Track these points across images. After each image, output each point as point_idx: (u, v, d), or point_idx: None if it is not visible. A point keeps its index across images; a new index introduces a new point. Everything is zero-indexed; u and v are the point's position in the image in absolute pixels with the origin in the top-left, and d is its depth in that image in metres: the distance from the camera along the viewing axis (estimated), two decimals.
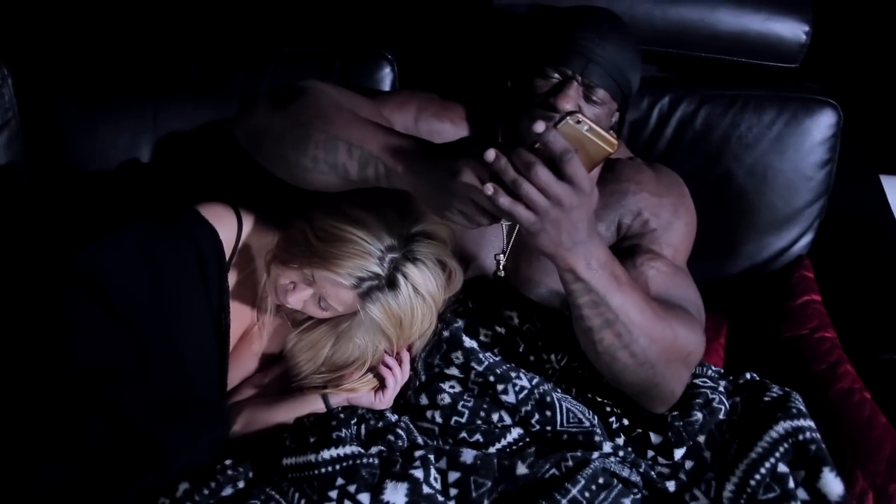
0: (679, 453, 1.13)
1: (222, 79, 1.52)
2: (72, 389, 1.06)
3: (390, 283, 1.11)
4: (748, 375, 1.25)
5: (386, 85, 1.53)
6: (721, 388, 1.20)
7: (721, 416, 1.16)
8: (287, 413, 1.19)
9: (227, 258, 1.21)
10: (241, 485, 1.09)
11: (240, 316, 1.26)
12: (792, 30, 1.44)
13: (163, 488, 1.09)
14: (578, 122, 0.91)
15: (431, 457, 1.07)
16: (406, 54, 1.56)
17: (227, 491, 1.08)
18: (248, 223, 1.23)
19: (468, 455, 1.07)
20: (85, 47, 1.58)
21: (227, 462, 1.10)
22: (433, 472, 1.05)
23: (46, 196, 1.55)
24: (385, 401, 1.19)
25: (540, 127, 0.89)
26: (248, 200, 1.27)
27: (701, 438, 1.14)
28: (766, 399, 1.16)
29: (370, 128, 1.04)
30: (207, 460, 1.12)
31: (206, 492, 1.06)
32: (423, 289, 1.13)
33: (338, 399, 1.19)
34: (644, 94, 1.47)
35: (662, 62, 1.54)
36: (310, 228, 1.13)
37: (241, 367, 1.29)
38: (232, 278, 1.23)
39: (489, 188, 0.89)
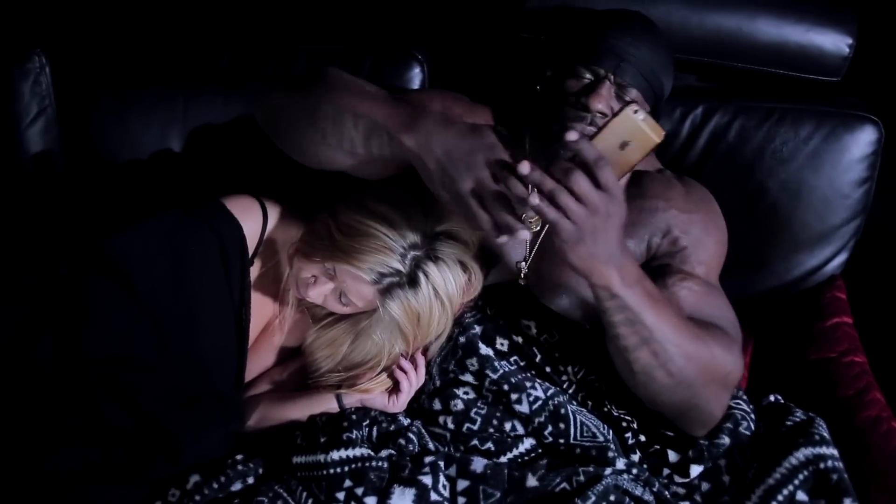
0: (696, 470, 1.10)
1: (253, 74, 1.53)
2: (92, 375, 1.07)
3: (411, 281, 1.10)
4: (772, 397, 1.22)
5: (415, 84, 1.52)
6: (752, 414, 1.17)
7: (744, 441, 1.13)
8: (300, 411, 1.19)
9: (251, 252, 1.21)
10: (250, 480, 1.09)
11: (261, 309, 1.27)
12: (834, 42, 1.40)
13: (174, 479, 1.10)
14: (636, 111, 0.91)
15: (441, 463, 1.06)
16: (436, 54, 1.56)
17: (237, 486, 1.08)
18: (273, 217, 1.23)
19: (479, 464, 1.06)
20: (120, 38, 1.61)
21: (239, 457, 1.11)
22: (442, 479, 1.04)
23: (79, 183, 1.58)
24: (399, 404, 1.18)
25: (573, 136, 0.89)
26: (274, 193, 1.27)
27: (722, 462, 1.12)
28: (789, 423, 1.14)
29: (379, 100, 1.04)
30: (220, 454, 1.13)
31: (215, 485, 1.07)
32: (443, 289, 1.12)
33: (351, 399, 1.19)
34: (677, 103, 1.44)
35: (698, 71, 1.50)
36: (333, 222, 1.13)
37: (260, 360, 1.30)
38: (255, 271, 1.24)
39: (534, 198, 0.89)
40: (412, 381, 1.18)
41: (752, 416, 1.16)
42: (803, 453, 1.06)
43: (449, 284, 1.13)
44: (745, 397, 1.20)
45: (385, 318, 1.13)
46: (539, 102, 1.21)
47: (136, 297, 1.11)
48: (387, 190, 1.13)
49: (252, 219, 1.21)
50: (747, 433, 1.13)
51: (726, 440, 1.11)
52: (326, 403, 1.19)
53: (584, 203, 0.90)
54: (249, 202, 1.22)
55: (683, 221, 1.22)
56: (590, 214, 0.90)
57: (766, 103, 1.44)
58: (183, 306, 1.15)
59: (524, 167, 0.88)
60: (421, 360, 1.20)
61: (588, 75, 1.16)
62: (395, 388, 1.19)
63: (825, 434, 1.10)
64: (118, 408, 1.08)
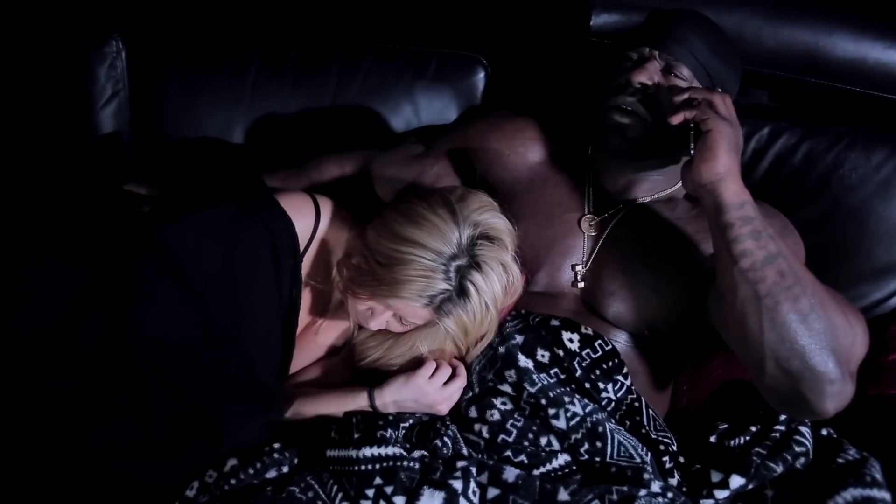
0: (736, 482, 1.07)
1: (319, 69, 1.55)
2: (138, 357, 1.09)
3: (460, 292, 1.11)
4: (824, 431, 1.18)
5: (478, 89, 1.53)
6: (811, 452, 1.13)
7: (798, 477, 1.09)
8: (335, 406, 1.19)
9: (302, 249, 1.22)
10: (285, 469, 1.10)
11: (307, 307, 1.28)
12: None
13: (212, 462, 1.12)
14: None
15: (473, 469, 1.05)
16: (499, 58, 1.55)
17: (272, 473, 1.09)
18: (325, 215, 1.24)
19: (511, 473, 1.05)
20: (194, 27, 1.65)
21: (276, 445, 1.12)
22: (473, 485, 1.03)
23: (144, 165, 1.62)
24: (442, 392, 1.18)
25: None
26: (328, 190, 1.28)
27: (769, 493, 1.08)
28: (840, 461, 1.10)
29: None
30: (258, 441, 1.15)
31: (251, 471, 1.08)
32: (490, 294, 1.12)
33: (384, 400, 1.18)
34: (743, 121, 1.38)
35: (769, 86, 1.47)
36: (369, 253, 1.13)
37: (304, 355, 1.31)
38: (304, 269, 1.25)
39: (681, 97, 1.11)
40: (461, 376, 1.18)
41: (812, 454, 1.12)
42: (852, 493, 1.02)
43: (494, 287, 1.13)
44: (810, 433, 1.15)
45: (440, 330, 1.14)
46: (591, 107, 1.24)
47: (185, 284, 1.13)
48: (409, 203, 1.13)
49: (305, 217, 1.22)
50: (802, 469, 1.10)
51: (780, 468, 1.08)
52: (359, 401, 1.19)
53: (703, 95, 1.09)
54: (303, 200, 1.23)
55: None
56: (733, 125, 1.07)
57: (837, 126, 1.40)
58: (230, 299, 1.16)
59: None
60: (461, 367, 1.20)
61: (635, 56, 1.20)
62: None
63: (878, 476, 1.05)
64: (163, 390, 1.10)
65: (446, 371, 1.18)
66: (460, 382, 1.18)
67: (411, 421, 1.15)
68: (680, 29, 1.19)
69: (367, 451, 1.05)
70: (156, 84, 1.58)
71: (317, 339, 1.31)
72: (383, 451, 1.05)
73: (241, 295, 1.17)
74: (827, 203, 1.38)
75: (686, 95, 1.11)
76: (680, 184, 1.27)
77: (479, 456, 1.12)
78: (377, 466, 1.04)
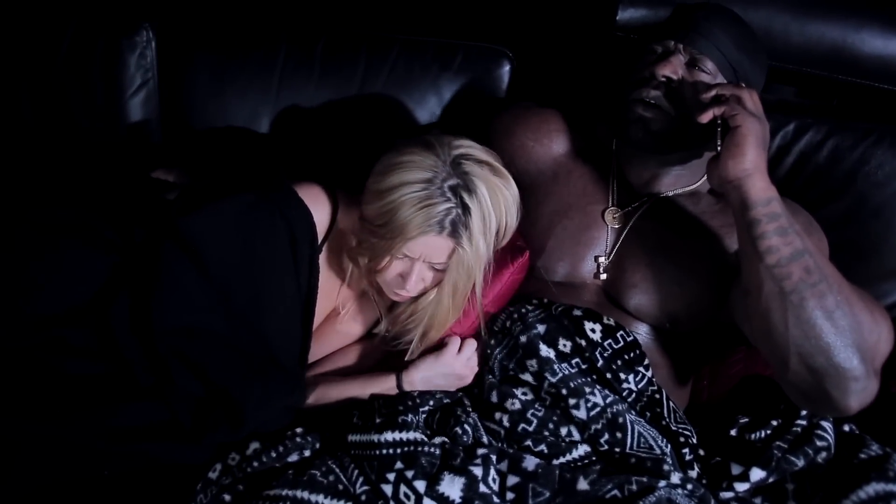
0: (756, 474, 1.07)
1: (346, 60, 1.56)
2: (162, 342, 1.11)
3: (464, 207, 1.11)
4: (846, 427, 1.17)
5: (503, 82, 1.53)
6: (833, 447, 1.12)
7: (818, 472, 1.09)
8: (360, 389, 1.21)
9: (321, 240, 1.24)
10: (307, 453, 1.12)
11: (326, 296, 1.29)
12: None
13: (234, 444, 1.13)
14: None
15: (493, 457, 1.06)
16: (525, 52, 1.55)
17: (294, 457, 1.11)
18: (343, 207, 1.25)
19: (530, 462, 1.05)
20: (222, 16, 1.66)
21: (298, 430, 1.13)
22: (493, 472, 1.04)
23: (171, 153, 1.64)
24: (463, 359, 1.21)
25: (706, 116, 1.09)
26: (350, 182, 1.29)
27: (790, 486, 1.08)
28: (862, 456, 1.09)
29: None
30: (280, 424, 1.16)
31: (273, 454, 1.10)
32: (495, 202, 1.13)
33: (413, 377, 1.20)
34: (768, 118, 1.39)
35: (796, 83, 1.46)
36: (368, 223, 1.14)
37: (326, 344, 1.32)
38: (322, 259, 1.26)
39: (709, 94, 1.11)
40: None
41: (833, 448, 1.12)
42: (874, 488, 1.02)
43: (496, 194, 1.13)
44: (831, 428, 1.15)
45: (462, 264, 1.14)
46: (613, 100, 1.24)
47: (204, 272, 1.14)
48: (383, 162, 1.14)
49: (322, 209, 1.23)
50: (823, 464, 1.09)
51: (801, 462, 1.08)
52: (386, 383, 1.21)
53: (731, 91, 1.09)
54: (319, 192, 1.24)
55: None
56: (761, 121, 1.07)
57: (864, 123, 1.39)
58: (249, 287, 1.18)
59: None
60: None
61: (659, 49, 1.20)
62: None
63: None
64: (188, 372, 1.11)
65: (472, 345, 1.22)
66: (474, 345, 1.22)
67: (431, 404, 1.16)
68: (705, 23, 1.19)
69: (389, 436, 1.06)
70: (184, 73, 1.60)
71: (339, 328, 1.32)
72: (404, 435, 1.06)
73: (259, 283, 1.18)
74: (852, 200, 1.38)
75: (714, 92, 1.11)
76: (704, 178, 1.27)
77: (500, 444, 1.13)
78: (398, 451, 1.05)
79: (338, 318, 1.32)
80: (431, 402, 1.16)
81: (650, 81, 1.19)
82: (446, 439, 1.10)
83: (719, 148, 1.10)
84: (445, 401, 1.17)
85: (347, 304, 1.32)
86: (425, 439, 1.07)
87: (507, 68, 1.53)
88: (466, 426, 1.12)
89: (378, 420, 1.11)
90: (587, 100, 1.41)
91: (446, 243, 1.13)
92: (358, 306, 1.32)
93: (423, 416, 1.15)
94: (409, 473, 1.02)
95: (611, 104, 1.29)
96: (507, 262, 1.25)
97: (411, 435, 1.06)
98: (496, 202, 1.13)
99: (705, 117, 1.09)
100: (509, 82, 1.52)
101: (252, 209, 1.19)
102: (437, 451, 1.06)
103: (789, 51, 1.36)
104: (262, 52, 1.58)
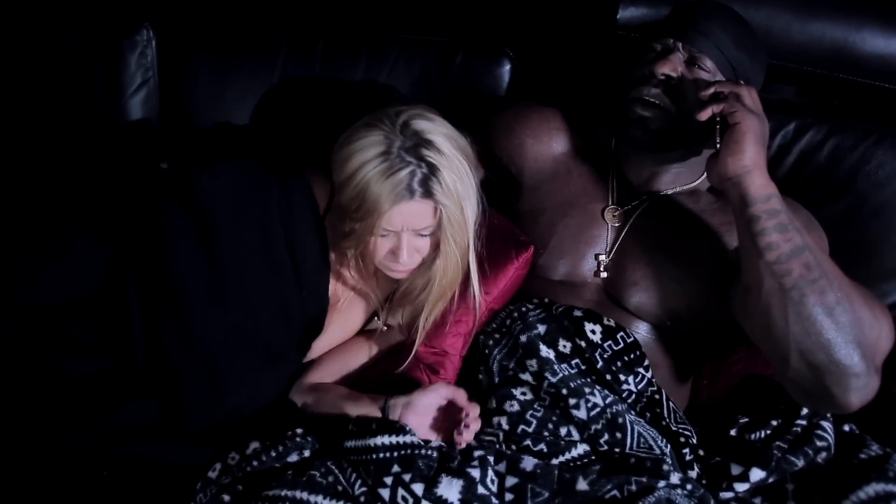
0: (756, 475, 1.07)
1: (347, 59, 1.56)
2: (161, 307, 1.13)
3: (427, 165, 1.11)
4: (846, 427, 1.17)
5: (504, 81, 1.52)
6: (833, 447, 1.12)
7: (818, 472, 1.09)
8: (350, 406, 1.18)
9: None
10: (306, 453, 1.11)
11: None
12: None
13: (234, 443, 1.13)
14: None
15: (491, 458, 1.05)
16: (525, 51, 1.55)
17: (293, 457, 1.10)
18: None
19: (529, 462, 1.05)
20: (223, 16, 1.66)
21: (298, 430, 1.13)
22: (491, 473, 1.04)
23: (174, 146, 1.65)
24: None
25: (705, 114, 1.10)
26: None
27: (790, 486, 1.08)
28: (862, 456, 1.09)
29: None
30: (267, 401, 1.17)
31: (273, 454, 1.10)
32: (453, 148, 1.13)
33: (397, 413, 1.16)
34: (768, 117, 1.39)
35: (797, 82, 1.46)
36: (344, 213, 1.14)
37: (322, 338, 1.30)
38: None
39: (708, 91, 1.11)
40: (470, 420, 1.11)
41: (833, 448, 1.12)
42: (874, 488, 1.02)
43: (452, 141, 1.13)
44: (831, 428, 1.15)
45: (450, 219, 1.14)
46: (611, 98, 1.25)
47: (204, 232, 1.16)
48: (336, 152, 1.15)
49: (321, 189, 1.23)
50: (823, 464, 1.09)
51: (801, 462, 1.08)
52: (372, 407, 1.17)
53: (729, 88, 1.09)
54: (323, 177, 1.24)
55: None
56: (760, 118, 1.07)
57: (864, 123, 1.39)
58: (241, 252, 1.18)
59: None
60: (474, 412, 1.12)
61: (659, 47, 1.20)
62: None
63: None
64: (177, 339, 1.12)
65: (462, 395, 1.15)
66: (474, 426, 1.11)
67: None
68: (705, 21, 1.19)
69: (385, 439, 1.06)
70: (185, 73, 1.60)
71: (335, 320, 1.31)
72: (401, 439, 1.06)
73: (249, 251, 1.18)
74: (852, 200, 1.37)
75: (713, 90, 1.11)
76: (703, 176, 1.27)
77: (498, 446, 1.13)
78: (395, 454, 1.05)
79: (339, 307, 1.32)
80: None
81: (650, 79, 1.19)
82: (443, 443, 1.10)
83: (718, 145, 1.10)
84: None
85: (344, 296, 1.31)
86: (421, 443, 1.07)
87: (507, 67, 1.53)
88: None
89: (374, 426, 1.11)
90: (587, 99, 1.40)
91: (423, 206, 1.12)
92: (355, 297, 1.32)
93: None
94: (407, 476, 1.02)
95: (610, 103, 1.28)
96: (511, 257, 1.25)
97: (407, 438, 1.06)
98: (457, 145, 1.14)
99: (704, 115, 1.09)
100: (510, 81, 1.52)
101: (253, 172, 1.20)
102: (434, 454, 1.06)
103: (790, 50, 1.35)
104: (263, 51, 1.58)
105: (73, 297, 1.15)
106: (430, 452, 1.05)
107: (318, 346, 1.30)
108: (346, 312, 1.32)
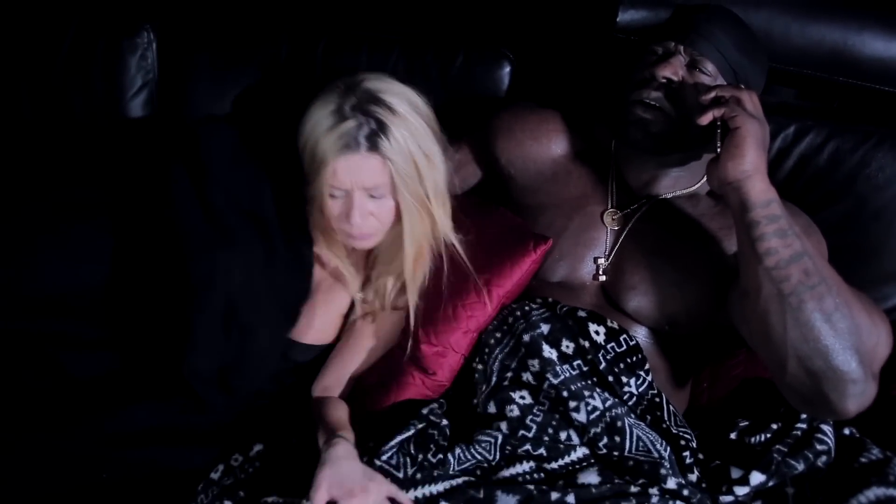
0: (756, 478, 1.06)
1: (348, 62, 1.55)
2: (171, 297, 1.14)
3: (376, 121, 1.11)
4: (846, 431, 1.17)
5: (504, 83, 1.52)
6: (833, 450, 1.12)
7: (818, 476, 1.09)
8: (318, 435, 1.13)
9: None
10: None
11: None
12: None
13: (238, 446, 1.14)
14: None
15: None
16: (525, 53, 1.55)
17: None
18: None
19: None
20: (223, 18, 1.66)
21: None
22: None
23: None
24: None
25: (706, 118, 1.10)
26: None
27: (790, 490, 1.07)
28: (863, 460, 1.09)
29: None
30: (258, 371, 1.19)
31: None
32: (404, 103, 1.14)
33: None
34: (768, 120, 1.38)
35: (797, 85, 1.46)
36: (307, 179, 1.16)
37: (308, 320, 1.29)
38: None
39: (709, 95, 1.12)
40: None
41: (833, 452, 1.12)
42: (874, 492, 1.02)
43: (403, 97, 1.14)
44: (832, 432, 1.15)
45: (402, 176, 1.13)
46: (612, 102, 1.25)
47: (207, 201, 1.18)
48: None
49: None
50: (823, 468, 1.09)
51: (801, 466, 1.08)
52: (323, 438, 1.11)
53: (730, 92, 1.09)
54: None
55: None
56: (737, 98, 1.08)
57: (864, 126, 1.38)
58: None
59: None
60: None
61: (660, 50, 1.20)
62: None
63: None
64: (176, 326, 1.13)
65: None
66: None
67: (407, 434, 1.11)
68: (706, 24, 1.19)
69: None
70: (185, 75, 1.60)
71: (322, 297, 1.31)
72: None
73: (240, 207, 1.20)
74: (852, 203, 1.37)
75: (714, 94, 1.11)
76: (703, 180, 1.28)
77: (493, 456, 1.10)
78: None
79: (318, 289, 1.30)
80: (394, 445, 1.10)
81: (651, 82, 1.19)
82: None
83: (719, 150, 1.10)
84: (419, 426, 1.13)
85: (323, 279, 1.31)
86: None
87: (507, 69, 1.53)
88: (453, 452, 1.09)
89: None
90: (587, 101, 1.40)
91: (370, 161, 1.12)
92: (334, 282, 1.31)
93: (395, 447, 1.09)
94: None
95: (610, 105, 1.28)
96: (529, 248, 1.23)
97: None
98: (413, 107, 1.15)
99: (705, 119, 1.09)
100: (510, 83, 1.52)
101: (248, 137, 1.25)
102: None
103: (790, 52, 1.35)
104: (264, 53, 1.58)
105: (76, 287, 1.15)
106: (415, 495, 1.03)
107: (308, 334, 1.29)
108: (328, 295, 1.31)
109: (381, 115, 1.11)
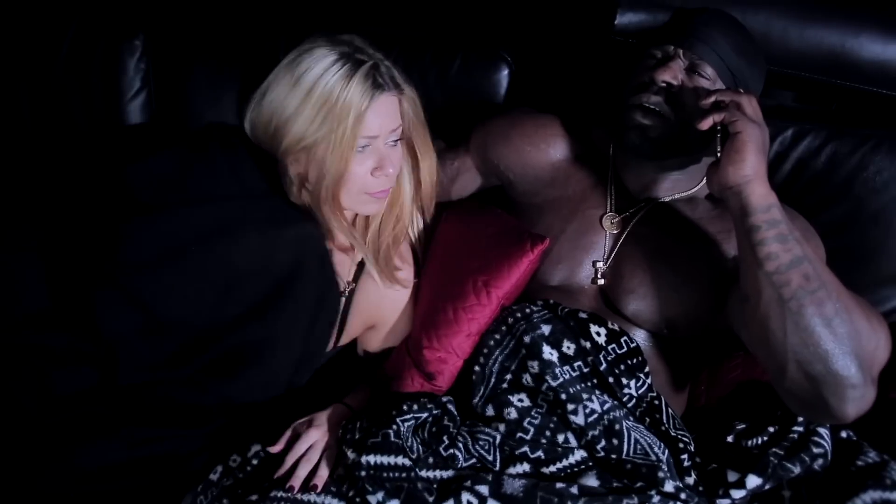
0: (753, 481, 1.07)
1: None
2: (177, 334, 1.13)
3: (383, 61, 1.12)
4: (843, 433, 1.17)
5: (502, 86, 1.52)
6: (829, 454, 1.12)
7: (815, 478, 1.09)
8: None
9: None
10: None
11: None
12: None
13: (236, 447, 1.14)
14: None
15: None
16: (524, 56, 1.55)
17: None
18: None
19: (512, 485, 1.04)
20: (220, 22, 1.66)
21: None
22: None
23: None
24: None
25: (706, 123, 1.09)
26: None
27: (787, 493, 1.08)
28: (860, 463, 1.09)
29: None
30: (266, 396, 1.18)
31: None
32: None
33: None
34: (766, 123, 1.39)
35: (795, 88, 1.46)
36: (303, 153, 1.13)
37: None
38: None
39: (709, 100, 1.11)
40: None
41: (830, 455, 1.12)
42: (871, 496, 1.02)
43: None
44: (828, 435, 1.15)
45: (417, 112, 1.13)
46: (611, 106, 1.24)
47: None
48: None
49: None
50: (820, 471, 1.10)
51: (797, 469, 1.08)
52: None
53: (730, 96, 1.09)
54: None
55: None
56: (738, 102, 1.08)
57: (863, 129, 1.38)
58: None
59: None
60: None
61: (659, 54, 1.20)
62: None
63: None
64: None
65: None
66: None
67: (419, 418, 1.13)
68: (705, 28, 1.19)
69: (374, 459, 1.05)
70: (183, 78, 1.60)
71: None
72: (391, 459, 1.05)
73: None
74: (850, 206, 1.37)
75: (713, 98, 1.11)
76: (702, 184, 1.28)
77: (491, 454, 1.11)
78: (385, 475, 1.04)
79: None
80: (411, 419, 1.13)
81: (650, 87, 1.19)
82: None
83: (719, 154, 1.10)
84: (435, 412, 1.15)
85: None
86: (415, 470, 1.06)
87: (505, 72, 1.53)
88: (460, 448, 1.10)
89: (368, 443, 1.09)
90: (585, 105, 1.40)
91: (394, 100, 1.11)
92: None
93: (409, 430, 1.12)
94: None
95: (609, 109, 1.29)
96: (526, 249, 1.23)
97: (400, 460, 1.06)
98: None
99: (705, 124, 1.09)
100: (508, 87, 1.52)
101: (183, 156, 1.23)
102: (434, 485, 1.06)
103: (788, 55, 1.35)
104: (262, 57, 1.56)
105: (58, 301, 1.15)
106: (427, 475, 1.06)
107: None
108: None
109: (379, 54, 1.10)
